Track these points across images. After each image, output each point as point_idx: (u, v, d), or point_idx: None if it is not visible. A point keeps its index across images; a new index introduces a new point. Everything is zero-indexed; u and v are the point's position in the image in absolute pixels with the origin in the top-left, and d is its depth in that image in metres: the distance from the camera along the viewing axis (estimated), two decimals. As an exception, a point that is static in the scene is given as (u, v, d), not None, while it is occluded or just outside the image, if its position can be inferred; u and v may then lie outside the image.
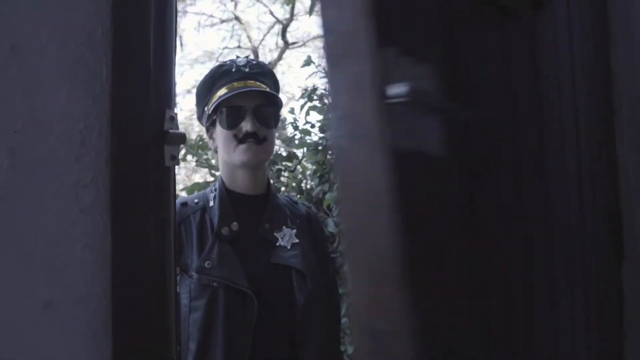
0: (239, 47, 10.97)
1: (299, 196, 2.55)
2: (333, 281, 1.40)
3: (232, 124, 1.21)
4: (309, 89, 2.50)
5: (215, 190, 1.27)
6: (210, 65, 3.01)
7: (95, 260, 0.48)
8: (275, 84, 1.35)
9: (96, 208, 0.49)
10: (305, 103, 2.54)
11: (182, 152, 3.30)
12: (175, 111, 0.57)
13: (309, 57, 2.54)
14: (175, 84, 0.62)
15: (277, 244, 1.21)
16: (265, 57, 10.86)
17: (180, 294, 1.14)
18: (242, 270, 1.15)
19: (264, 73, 1.30)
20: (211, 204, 1.24)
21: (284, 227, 1.25)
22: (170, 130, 0.55)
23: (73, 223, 0.47)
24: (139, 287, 0.50)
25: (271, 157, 2.72)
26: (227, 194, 1.25)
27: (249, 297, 1.12)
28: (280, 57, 9.68)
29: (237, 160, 1.22)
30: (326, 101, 2.46)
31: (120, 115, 0.51)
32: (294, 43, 10.22)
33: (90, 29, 0.49)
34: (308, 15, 2.29)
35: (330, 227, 2.28)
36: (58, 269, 0.45)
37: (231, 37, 10.44)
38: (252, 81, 1.26)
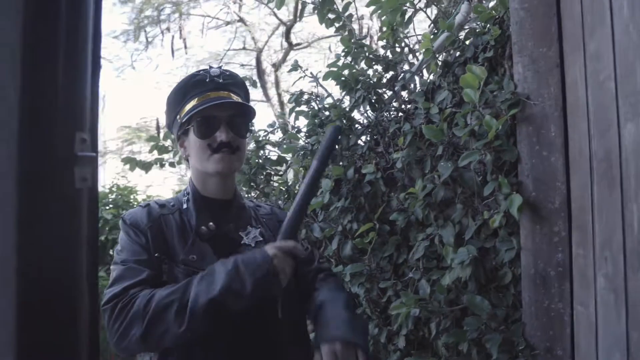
0: (243, 48, 11.02)
1: (286, 202, 2.56)
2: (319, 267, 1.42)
3: (206, 133, 1.24)
4: (296, 93, 2.51)
5: (188, 194, 1.31)
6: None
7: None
8: (246, 95, 1.39)
9: (3, 231, 0.50)
10: (294, 107, 2.55)
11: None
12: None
13: (296, 61, 2.55)
14: (93, 104, 0.62)
15: (242, 242, 1.27)
16: (270, 58, 10.90)
17: (165, 283, 1.15)
18: None
19: (236, 84, 1.33)
20: (184, 206, 1.28)
21: (248, 226, 1.31)
22: (80, 153, 0.55)
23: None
24: (47, 315, 0.51)
25: (260, 161, 2.76)
26: (199, 197, 1.30)
27: None
28: (284, 59, 9.71)
29: (211, 169, 1.25)
30: (313, 105, 2.46)
31: (29, 139, 0.52)
32: (298, 44, 10.24)
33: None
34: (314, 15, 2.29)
35: (316, 232, 2.28)
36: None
37: (235, 38, 10.49)
38: (225, 92, 1.28)
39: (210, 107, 1.22)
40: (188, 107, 1.26)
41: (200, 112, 1.22)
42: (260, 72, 9.49)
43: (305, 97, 2.50)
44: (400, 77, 2.02)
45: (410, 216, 1.85)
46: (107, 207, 5.26)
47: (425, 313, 1.61)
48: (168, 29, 9.19)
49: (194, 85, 1.27)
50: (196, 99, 1.25)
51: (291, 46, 9.71)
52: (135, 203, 5.38)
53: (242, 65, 11.22)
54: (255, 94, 10.14)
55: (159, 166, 3.44)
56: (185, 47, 8.92)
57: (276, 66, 10.39)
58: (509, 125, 1.48)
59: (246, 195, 2.90)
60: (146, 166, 3.49)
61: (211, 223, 1.25)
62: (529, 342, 1.40)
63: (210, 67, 1.32)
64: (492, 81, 1.54)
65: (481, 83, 1.49)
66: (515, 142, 1.47)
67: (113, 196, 5.45)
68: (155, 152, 3.37)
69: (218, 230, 1.26)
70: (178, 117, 1.29)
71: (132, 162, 3.48)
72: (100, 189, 5.68)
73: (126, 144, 11.44)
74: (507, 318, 1.49)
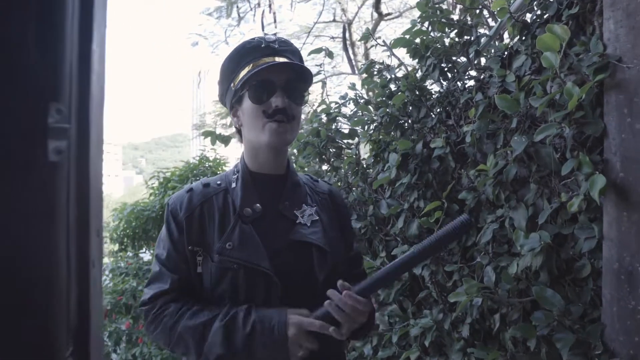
0: (333, 20, 10.90)
1: (353, 177, 2.48)
2: (357, 258, 1.39)
3: (261, 98, 1.16)
4: (367, 63, 2.38)
5: (238, 172, 1.25)
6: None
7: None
8: (301, 63, 1.30)
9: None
10: (366, 78, 2.43)
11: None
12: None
13: (368, 30, 2.42)
14: (81, 71, 0.58)
15: (297, 222, 1.19)
16: (360, 30, 10.67)
17: (201, 275, 1.16)
18: (263, 251, 1.14)
19: (292, 51, 1.26)
20: (233, 185, 1.23)
21: (303, 204, 1.23)
22: (55, 125, 0.52)
23: None
24: (17, 300, 0.49)
25: (331, 134, 2.69)
26: (249, 175, 1.24)
27: (271, 278, 1.11)
28: (374, 30, 9.45)
29: (264, 141, 1.17)
30: (386, 75, 2.33)
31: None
32: (388, 14, 9.90)
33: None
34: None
35: (383, 208, 2.18)
36: None
37: (325, 10, 10.39)
38: (281, 58, 1.21)
39: (266, 69, 1.15)
40: (243, 73, 1.19)
41: (255, 75, 1.16)
42: (346, 45, 9.34)
43: (377, 67, 2.37)
44: (475, 41, 1.83)
45: (481, 195, 1.69)
46: (198, 178, 5.53)
47: (489, 303, 1.47)
48: (259, 4, 9.32)
49: (248, 51, 1.21)
50: (251, 64, 1.19)
51: (381, 17, 9.41)
52: (223, 174, 5.58)
53: (332, 37, 11.11)
54: (344, 66, 10.03)
55: (239, 139, 3.51)
56: (275, 21, 8.99)
57: (364, 38, 10.16)
58: (595, 93, 1.26)
59: (316, 169, 2.86)
60: (225, 139, 3.58)
61: (258, 205, 1.18)
62: (608, 346, 1.21)
63: (266, 34, 1.26)
64: (577, 42, 1.32)
65: (563, 45, 1.28)
66: (602, 114, 1.25)
67: (201, 167, 5.71)
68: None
69: (268, 210, 1.19)
70: (232, 84, 1.23)
71: (213, 135, 3.59)
72: (192, 160, 6.00)
73: (219, 117, 11.96)
74: (584, 316, 1.31)
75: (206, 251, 1.15)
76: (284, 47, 1.23)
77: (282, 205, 1.21)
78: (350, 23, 10.16)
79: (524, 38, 1.55)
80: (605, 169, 1.21)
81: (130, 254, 5.72)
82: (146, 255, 5.67)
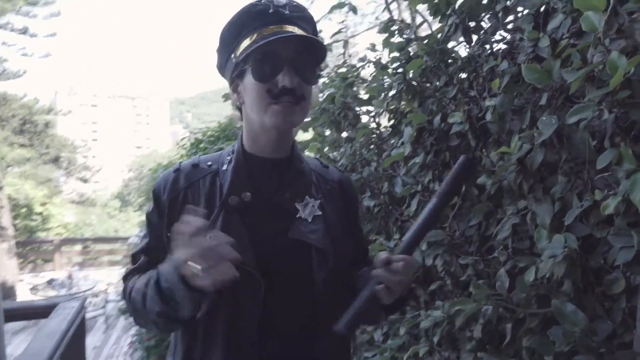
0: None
1: (369, 149, 2.26)
2: (365, 252, 1.27)
3: (266, 76, 0.99)
4: (384, 22, 2.11)
5: (233, 153, 1.10)
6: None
7: None
8: (314, 34, 1.10)
9: None
10: (386, 39, 2.17)
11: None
12: None
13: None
14: None
15: (297, 216, 1.05)
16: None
17: None
18: (249, 245, 1.00)
19: (304, 18, 1.06)
20: (224, 167, 1.08)
21: (307, 196, 1.08)
22: None
23: None
24: None
25: (347, 100, 2.45)
26: (244, 158, 1.08)
27: (253, 276, 0.99)
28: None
29: (268, 123, 1.01)
30: (406, 36, 2.06)
31: None
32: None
33: None
34: None
35: (398, 186, 1.97)
36: None
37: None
38: (292, 26, 1.02)
39: (273, 41, 0.97)
40: (245, 43, 1.01)
41: (259, 47, 0.97)
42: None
43: (397, 26, 2.09)
44: (507, -3, 1.53)
45: (503, 181, 1.45)
46: (228, 139, 5.41)
47: (500, 311, 1.27)
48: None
49: (254, 16, 1.01)
50: (256, 33, 1.00)
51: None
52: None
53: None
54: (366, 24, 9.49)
55: (239, 117, 3.33)
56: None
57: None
58: (648, 67, 0.99)
59: (335, 136, 2.64)
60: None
61: (248, 193, 1.04)
62: (639, 379, 1.00)
63: None
64: (630, -2, 1.04)
65: (611, 1, 1.00)
66: (655, 94, 0.99)
67: (232, 128, 5.58)
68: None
69: (263, 199, 1.05)
70: (233, 55, 1.04)
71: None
72: (222, 120, 5.87)
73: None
74: (612, 338, 1.09)
75: None
76: (296, 12, 1.04)
77: (282, 197, 1.06)
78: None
79: (562, -8, 1.26)
80: (652, 165, 0.96)
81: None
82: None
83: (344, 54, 2.97)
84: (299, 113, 1.01)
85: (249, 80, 1.00)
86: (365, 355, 2.12)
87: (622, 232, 1.05)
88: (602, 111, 1.01)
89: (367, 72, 2.52)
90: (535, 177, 1.30)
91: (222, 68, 1.11)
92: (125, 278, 1.11)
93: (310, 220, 1.06)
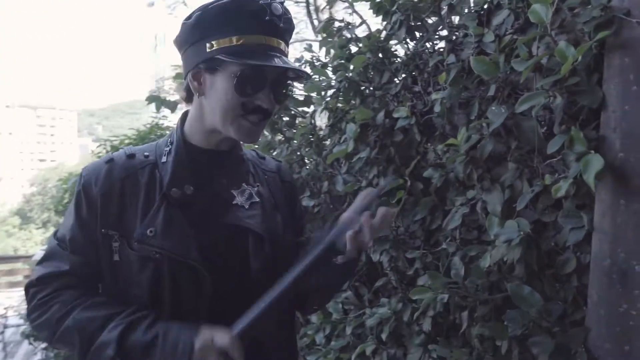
0: (296, -17, 10.36)
1: (307, 148, 2.23)
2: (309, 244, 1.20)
3: (246, 91, 0.96)
4: (324, 22, 2.10)
5: (172, 143, 1.04)
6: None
7: None
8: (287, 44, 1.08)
9: None
10: (325, 38, 2.16)
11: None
12: None
13: (328, -18, 2.12)
14: None
15: (234, 202, 1.03)
16: (324, -6, 10.25)
17: (119, 264, 0.97)
18: (192, 239, 0.97)
19: (290, 31, 1.02)
20: (164, 159, 1.02)
21: (243, 184, 1.07)
22: None
23: None
24: None
25: (284, 101, 2.41)
26: (185, 149, 1.03)
27: (199, 271, 0.95)
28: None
29: (232, 134, 0.99)
30: (346, 35, 2.06)
31: None
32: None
33: None
34: None
35: (339, 185, 1.95)
36: None
37: (288, -28, 9.88)
38: (281, 41, 0.98)
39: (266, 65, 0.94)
40: (230, 40, 0.94)
41: (249, 64, 0.93)
42: (309, 10, 8.91)
43: (337, 25, 2.09)
44: (449, -5, 1.58)
45: (449, 174, 1.48)
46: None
47: (457, 299, 1.28)
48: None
49: (248, 15, 0.94)
50: (245, 36, 0.93)
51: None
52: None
53: (296, 2, 10.58)
54: (309, 33, 9.61)
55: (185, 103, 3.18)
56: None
57: (330, 2, 9.74)
58: (593, 55, 1.05)
59: (268, 138, 2.59)
60: (172, 105, 3.23)
61: (190, 186, 0.99)
62: (593, 354, 1.04)
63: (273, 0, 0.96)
64: (574, -7, 1.10)
65: (558, -5, 1.05)
66: (600, 81, 1.04)
67: (152, 136, 5.31)
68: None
69: (202, 190, 1.01)
70: (209, 44, 0.95)
71: (157, 101, 3.23)
72: (141, 127, 5.56)
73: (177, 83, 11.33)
74: (564, 317, 1.13)
75: (124, 236, 0.97)
76: (287, 25, 0.99)
77: (218, 183, 1.03)
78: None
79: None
80: (602, 148, 1.01)
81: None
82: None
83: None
84: (262, 129, 1.04)
85: (222, 82, 0.96)
86: (308, 359, 2.06)
87: (572, 214, 1.09)
88: (555, 97, 1.05)
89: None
90: (484, 166, 1.33)
91: (184, 44, 1.01)
92: (49, 278, 1.00)
93: (247, 206, 1.04)
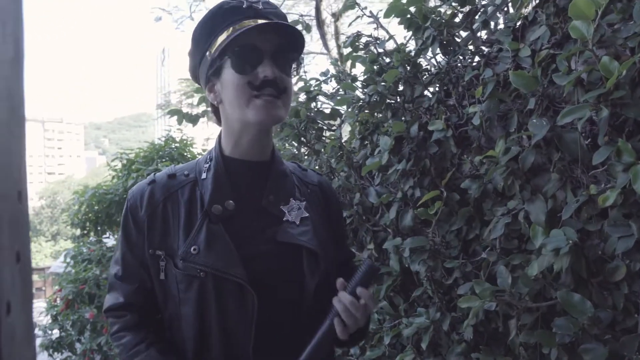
0: (303, -5, 10.47)
1: (339, 162, 2.27)
2: (348, 259, 1.24)
3: (246, 67, 0.96)
4: (352, 36, 2.16)
5: (211, 160, 1.05)
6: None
7: None
8: None
9: None
10: (350, 53, 2.21)
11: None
12: None
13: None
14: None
15: (285, 219, 1.02)
16: (330, 7, 10.35)
17: (165, 283, 0.99)
18: (236, 255, 0.96)
19: (277, 14, 1.04)
20: (203, 176, 1.03)
21: (291, 199, 1.05)
22: None
23: None
24: None
25: (311, 114, 2.46)
26: (224, 164, 1.04)
27: (244, 288, 0.95)
28: (345, 8, 9.13)
29: (251, 118, 0.97)
30: (373, 50, 2.11)
31: None
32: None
33: None
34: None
35: (372, 196, 1.99)
36: None
37: (295, -15, 9.99)
38: (266, 20, 0.99)
39: (251, 32, 0.94)
40: (221, 38, 0.98)
41: (237, 39, 0.94)
42: (320, 22, 8.99)
43: (363, 40, 2.14)
44: (481, 11, 1.63)
45: (487, 184, 1.51)
46: (164, 160, 5.21)
47: (504, 307, 1.31)
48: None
49: (226, 13, 0.98)
50: (231, 28, 0.97)
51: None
52: (190, 156, 5.28)
53: (301, 15, 10.68)
54: (313, 46, 9.69)
55: (215, 121, 3.24)
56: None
57: (336, 16, 9.84)
58: (638, 69, 1.09)
59: (295, 152, 2.64)
60: (193, 119, 3.30)
61: (230, 201, 0.99)
62: (646, 360, 1.07)
63: None
64: (614, 9, 1.14)
65: (599, 11, 1.09)
66: (645, 94, 1.08)
67: (167, 149, 5.38)
68: (203, 104, 3.16)
69: (246, 206, 1.01)
70: (208, 53, 1.00)
71: (179, 114, 3.30)
72: (157, 141, 5.64)
73: (185, 97, 11.47)
74: (614, 324, 1.16)
75: (169, 255, 0.98)
76: (269, 8, 1.01)
77: (266, 200, 1.02)
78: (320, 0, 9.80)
79: (543, 6, 1.36)
80: (649, 159, 1.05)
81: (92, 239, 5.39)
82: (110, 241, 5.36)
83: (297, 69, 2.99)
84: (282, 107, 0.98)
85: (227, 75, 0.98)
86: (343, 370, 2.09)
87: (619, 223, 1.12)
88: (600, 110, 1.08)
89: (328, 86, 2.55)
90: (522, 178, 1.37)
91: (195, 69, 1.07)
92: (112, 310, 1.05)
93: (298, 222, 1.02)
